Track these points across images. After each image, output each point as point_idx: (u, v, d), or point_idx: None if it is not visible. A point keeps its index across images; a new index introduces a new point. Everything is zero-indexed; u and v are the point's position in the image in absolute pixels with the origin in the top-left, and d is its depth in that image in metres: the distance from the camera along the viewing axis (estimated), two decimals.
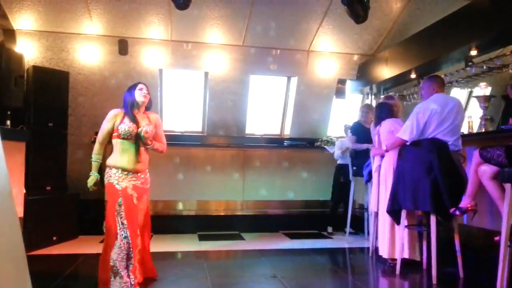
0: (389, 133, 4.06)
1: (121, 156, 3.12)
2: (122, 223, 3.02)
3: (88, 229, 5.17)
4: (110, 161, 3.15)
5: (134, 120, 3.16)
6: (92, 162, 3.19)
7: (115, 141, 3.16)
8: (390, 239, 3.90)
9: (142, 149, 3.19)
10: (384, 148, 4.02)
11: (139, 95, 3.22)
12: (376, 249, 4.23)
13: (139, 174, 3.19)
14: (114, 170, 3.10)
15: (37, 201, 4.55)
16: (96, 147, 3.20)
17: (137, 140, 3.14)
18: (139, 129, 3.12)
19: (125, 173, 3.11)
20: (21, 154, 4.37)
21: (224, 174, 6.08)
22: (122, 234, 3.00)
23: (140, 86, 3.27)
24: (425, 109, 3.59)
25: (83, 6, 5.18)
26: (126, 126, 3.12)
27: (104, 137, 3.19)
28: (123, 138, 3.11)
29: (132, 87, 3.27)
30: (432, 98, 3.65)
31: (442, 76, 5.12)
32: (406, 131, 3.65)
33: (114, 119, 3.17)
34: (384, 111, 4.24)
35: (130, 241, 3.02)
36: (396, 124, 4.02)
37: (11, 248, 1.25)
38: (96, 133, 3.30)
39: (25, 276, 1.30)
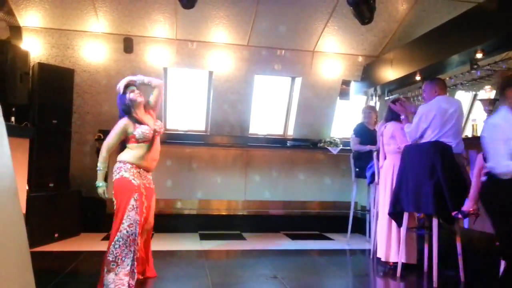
0: (391, 138, 4.06)
1: (136, 153, 3.15)
2: (135, 220, 3.01)
3: (90, 227, 5.20)
4: (124, 156, 3.14)
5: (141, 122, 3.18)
6: (99, 171, 3.11)
7: (130, 144, 3.17)
8: (387, 241, 3.92)
9: (153, 148, 3.22)
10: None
11: (134, 97, 3.21)
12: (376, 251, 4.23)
13: (147, 173, 3.25)
14: (128, 165, 3.10)
15: (39, 198, 4.56)
16: (103, 156, 3.12)
17: (151, 141, 3.20)
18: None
19: (138, 170, 3.14)
20: (25, 151, 4.39)
21: (227, 174, 6.08)
22: (131, 231, 2.98)
23: (130, 89, 3.24)
24: (428, 112, 3.60)
25: (89, 3, 5.19)
26: (141, 130, 3.14)
27: (112, 148, 3.16)
28: (139, 142, 3.15)
29: (123, 93, 3.23)
30: (435, 100, 3.66)
31: (447, 78, 5.12)
32: (411, 132, 3.70)
33: (125, 131, 3.16)
34: (391, 112, 4.19)
35: (138, 239, 3.01)
36: (399, 129, 4.00)
37: (15, 244, 1.26)
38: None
39: (29, 271, 1.31)
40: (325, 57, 6.20)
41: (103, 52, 5.61)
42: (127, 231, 2.96)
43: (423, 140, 3.65)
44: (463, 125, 3.78)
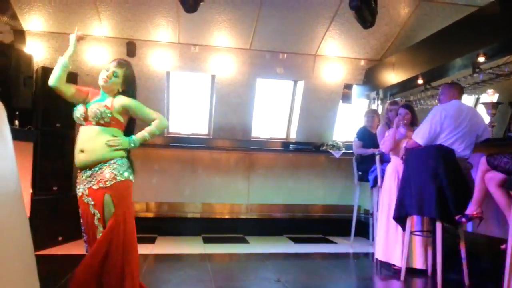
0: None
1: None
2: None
3: None
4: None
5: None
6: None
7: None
8: (385, 243, 3.94)
9: (93, 131, 2.46)
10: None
11: (100, 78, 2.60)
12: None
13: (90, 171, 2.42)
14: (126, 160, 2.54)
15: (43, 201, 4.58)
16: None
17: (97, 120, 2.49)
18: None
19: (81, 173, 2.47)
20: (29, 155, 4.41)
21: (229, 177, 6.09)
22: None
23: (107, 66, 2.59)
24: (441, 114, 3.62)
25: (92, 8, 5.22)
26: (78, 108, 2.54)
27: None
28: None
29: None
30: (449, 104, 3.68)
31: (449, 82, 5.11)
32: (418, 134, 3.71)
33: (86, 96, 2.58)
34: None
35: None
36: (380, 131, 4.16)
37: (20, 248, 1.26)
38: None
39: (34, 274, 1.32)
40: (327, 61, 6.21)
41: (106, 56, 5.63)
42: None
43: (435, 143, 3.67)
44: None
